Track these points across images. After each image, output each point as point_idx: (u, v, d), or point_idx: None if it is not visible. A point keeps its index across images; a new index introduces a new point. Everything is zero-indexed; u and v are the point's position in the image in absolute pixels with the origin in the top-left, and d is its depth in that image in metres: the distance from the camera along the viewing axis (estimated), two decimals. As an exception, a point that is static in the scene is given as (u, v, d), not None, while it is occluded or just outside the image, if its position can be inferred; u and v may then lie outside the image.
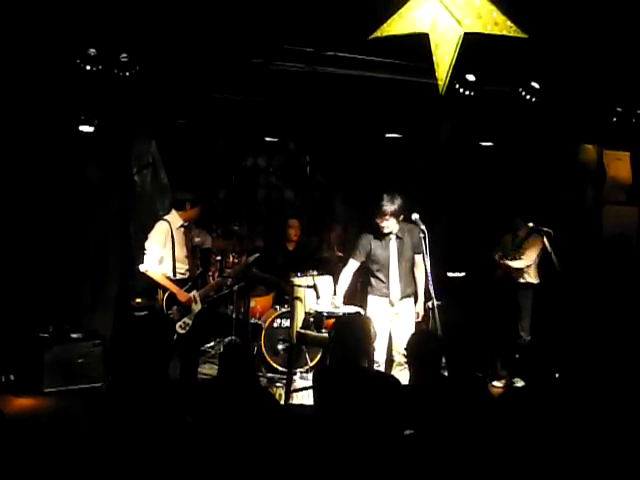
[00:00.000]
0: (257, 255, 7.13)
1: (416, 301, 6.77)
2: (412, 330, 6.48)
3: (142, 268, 6.22)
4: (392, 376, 5.34)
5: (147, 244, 6.30)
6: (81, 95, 7.16)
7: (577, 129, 8.52)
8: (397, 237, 6.66)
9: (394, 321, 6.63)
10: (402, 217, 6.57)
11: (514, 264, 7.56)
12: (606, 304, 7.83)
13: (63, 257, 7.54)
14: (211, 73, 7.16)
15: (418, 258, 6.69)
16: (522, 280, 7.67)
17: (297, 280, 6.75)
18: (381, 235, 6.63)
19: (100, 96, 7.20)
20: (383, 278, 6.66)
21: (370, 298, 6.75)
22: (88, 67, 6.44)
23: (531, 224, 7.48)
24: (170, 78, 7.19)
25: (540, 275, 7.70)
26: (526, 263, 7.57)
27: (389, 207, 6.46)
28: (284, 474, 3.73)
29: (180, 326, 6.27)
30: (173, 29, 6.32)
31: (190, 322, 6.35)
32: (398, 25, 4.82)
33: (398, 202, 6.48)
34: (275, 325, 7.97)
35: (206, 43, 6.57)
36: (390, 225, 6.55)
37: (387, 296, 6.65)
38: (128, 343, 7.25)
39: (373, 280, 6.72)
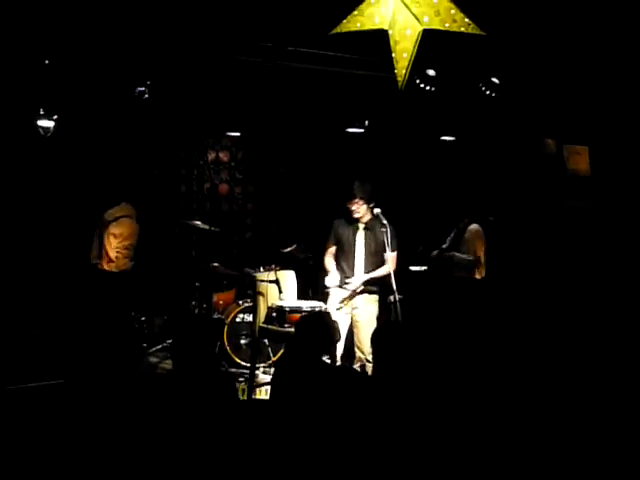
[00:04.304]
0: None
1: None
2: (373, 326, 6.49)
3: None
4: (353, 368, 5.38)
5: None
6: (40, 89, 7.08)
7: (537, 124, 8.61)
8: (366, 227, 6.69)
9: (356, 317, 6.64)
10: (373, 206, 6.61)
11: (464, 256, 7.29)
12: (567, 299, 7.90)
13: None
14: (172, 68, 7.12)
15: (385, 255, 6.58)
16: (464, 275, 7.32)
17: (259, 275, 6.73)
18: (350, 222, 6.68)
19: (59, 89, 7.12)
20: (346, 267, 6.66)
21: (331, 290, 6.71)
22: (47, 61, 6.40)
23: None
24: (132, 72, 7.13)
25: (484, 271, 7.33)
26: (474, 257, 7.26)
27: (359, 191, 6.56)
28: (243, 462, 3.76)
29: None
30: (135, 24, 6.28)
31: None
32: (358, 21, 4.83)
33: (368, 187, 6.60)
34: (237, 320, 7.95)
35: (168, 38, 6.53)
36: (360, 211, 6.61)
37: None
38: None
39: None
